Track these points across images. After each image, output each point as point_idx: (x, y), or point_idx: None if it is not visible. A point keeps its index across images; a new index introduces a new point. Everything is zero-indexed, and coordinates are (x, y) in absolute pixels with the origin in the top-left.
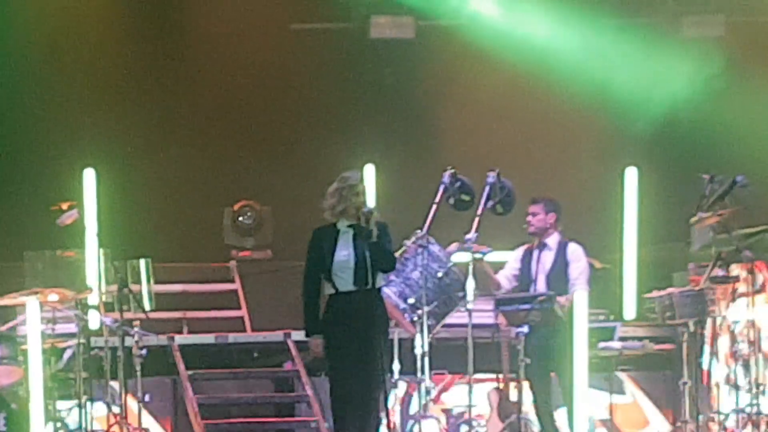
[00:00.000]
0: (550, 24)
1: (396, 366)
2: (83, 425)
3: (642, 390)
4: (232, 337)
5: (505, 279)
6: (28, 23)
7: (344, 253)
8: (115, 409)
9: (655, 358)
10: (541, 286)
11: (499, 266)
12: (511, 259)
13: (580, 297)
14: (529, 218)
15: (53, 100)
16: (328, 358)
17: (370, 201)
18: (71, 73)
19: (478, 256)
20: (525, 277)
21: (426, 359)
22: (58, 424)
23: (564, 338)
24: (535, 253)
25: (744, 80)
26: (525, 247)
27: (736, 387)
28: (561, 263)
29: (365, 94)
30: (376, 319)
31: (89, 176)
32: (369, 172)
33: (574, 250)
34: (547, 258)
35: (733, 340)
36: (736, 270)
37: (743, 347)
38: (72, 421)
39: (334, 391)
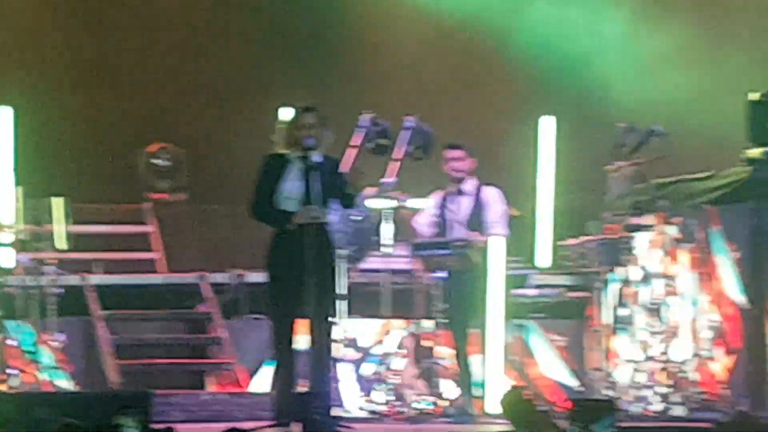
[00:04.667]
0: None
1: None
2: None
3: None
4: (146, 279)
5: (425, 226)
6: None
7: (291, 184)
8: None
9: (570, 305)
10: (459, 231)
11: (416, 213)
12: (429, 205)
13: (496, 242)
14: (453, 164)
15: None
16: (271, 296)
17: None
18: None
19: (398, 204)
20: (443, 222)
21: (343, 303)
22: None
23: (483, 285)
24: (453, 199)
25: (659, 28)
26: (442, 192)
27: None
28: (478, 207)
29: (283, 37)
30: (323, 254)
31: (6, 114)
32: (287, 115)
33: (492, 193)
34: (465, 203)
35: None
36: (650, 219)
37: (658, 293)
38: None
39: (278, 332)
